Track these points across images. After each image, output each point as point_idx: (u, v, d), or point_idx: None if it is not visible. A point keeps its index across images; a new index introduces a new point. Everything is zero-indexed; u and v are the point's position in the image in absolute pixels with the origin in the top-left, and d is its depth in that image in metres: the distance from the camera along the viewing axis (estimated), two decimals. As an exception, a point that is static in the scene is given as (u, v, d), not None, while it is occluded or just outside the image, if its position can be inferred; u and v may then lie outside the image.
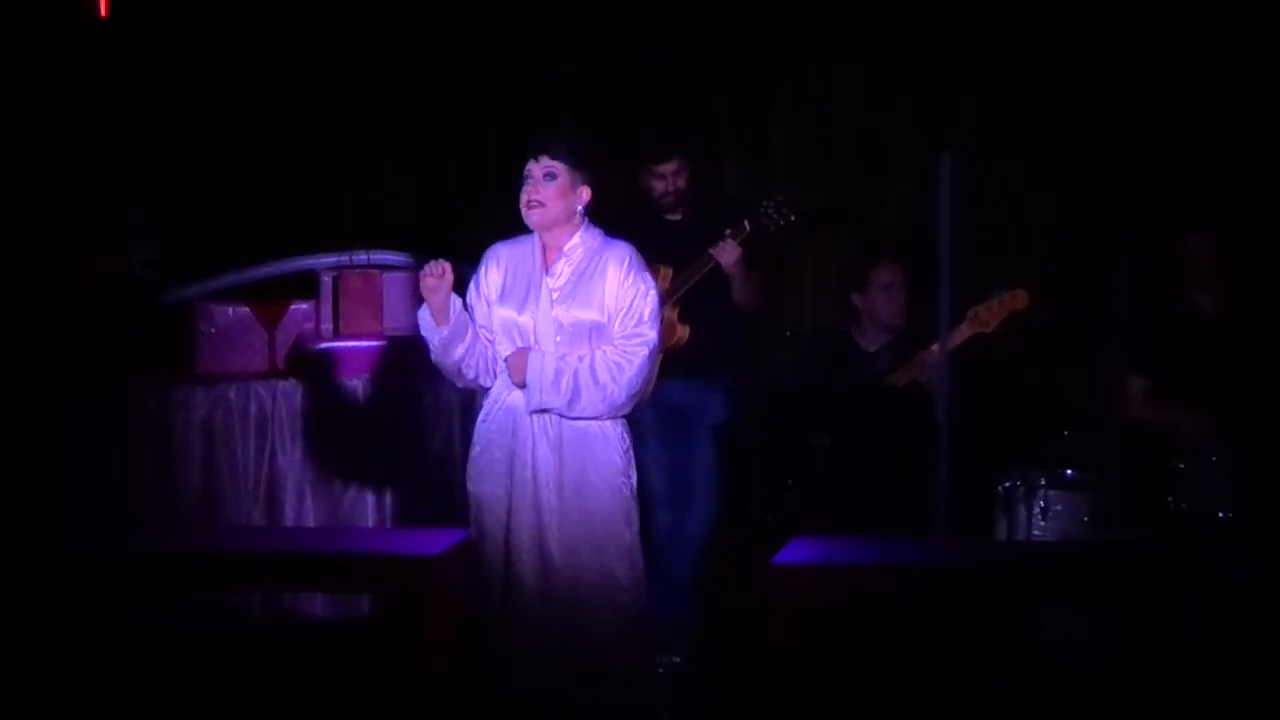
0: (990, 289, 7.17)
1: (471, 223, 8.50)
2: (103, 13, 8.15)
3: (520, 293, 6.08)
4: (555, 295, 6.04)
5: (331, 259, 7.91)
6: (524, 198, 6.05)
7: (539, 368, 5.98)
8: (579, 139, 6.14)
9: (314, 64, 8.50)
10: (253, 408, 7.51)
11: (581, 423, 6.00)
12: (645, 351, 5.99)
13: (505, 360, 6.07)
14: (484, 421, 6.14)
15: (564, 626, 5.96)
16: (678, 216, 7.42)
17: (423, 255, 7.89)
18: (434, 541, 5.83)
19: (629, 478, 6.05)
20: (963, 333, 7.04)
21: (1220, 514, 6.94)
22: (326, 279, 7.84)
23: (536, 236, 6.11)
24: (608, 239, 6.12)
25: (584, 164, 6.07)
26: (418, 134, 8.55)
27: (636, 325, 6.00)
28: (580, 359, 5.98)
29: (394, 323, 7.78)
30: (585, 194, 6.08)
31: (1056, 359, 8.01)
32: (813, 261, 8.30)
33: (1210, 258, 7.38)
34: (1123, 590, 5.60)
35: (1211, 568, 5.57)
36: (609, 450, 6.03)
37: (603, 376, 5.97)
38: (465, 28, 8.44)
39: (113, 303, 7.75)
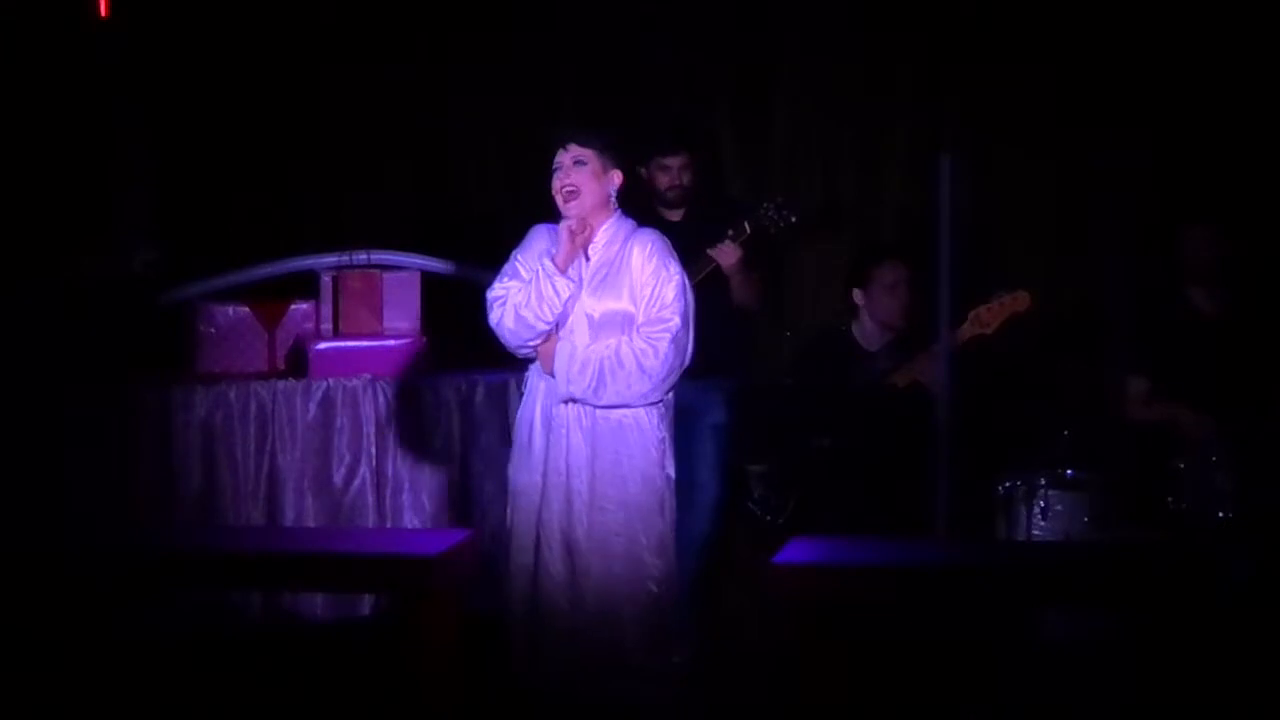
0: (990, 289, 7.17)
1: (472, 222, 8.50)
2: (103, 12, 8.14)
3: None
4: (586, 287, 6.04)
5: (331, 259, 7.91)
6: (557, 185, 6.05)
7: (566, 356, 6.01)
8: (603, 120, 6.12)
9: (314, 64, 8.50)
10: (253, 407, 7.51)
11: (615, 412, 6.02)
12: (669, 337, 5.99)
13: (536, 350, 6.09)
14: (522, 411, 6.16)
15: (590, 616, 5.98)
16: (678, 216, 7.42)
17: (424, 254, 7.95)
18: (434, 541, 5.84)
19: (664, 468, 6.07)
20: (963, 333, 7.04)
21: (1220, 514, 6.94)
22: (326, 279, 7.84)
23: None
24: (636, 228, 6.13)
25: (612, 148, 6.07)
26: (418, 134, 8.55)
27: (660, 311, 6.01)
28: (606, 347, 5.99)
29: (394, 323, 7.78)
30: (617, 178, 6.10)
31: (1056, 359, 8.01)
32: (813, 261, 8.30)
33: (1210, 255, 7.38)
34: (1123, 590, 5.60)
35: (1211, 568, 5.57)
36: (643, 440, 6.04)
37: (628, 364, 5.98)
38: (465, 27, 8.44)
39: (113, 303, 7.75)
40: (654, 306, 6.01)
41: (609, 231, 6.11)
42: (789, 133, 8.36)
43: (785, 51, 8.31)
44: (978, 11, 8.06)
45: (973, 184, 6.78)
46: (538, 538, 6.04)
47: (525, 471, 6.12)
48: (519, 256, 6.16)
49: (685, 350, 6.06)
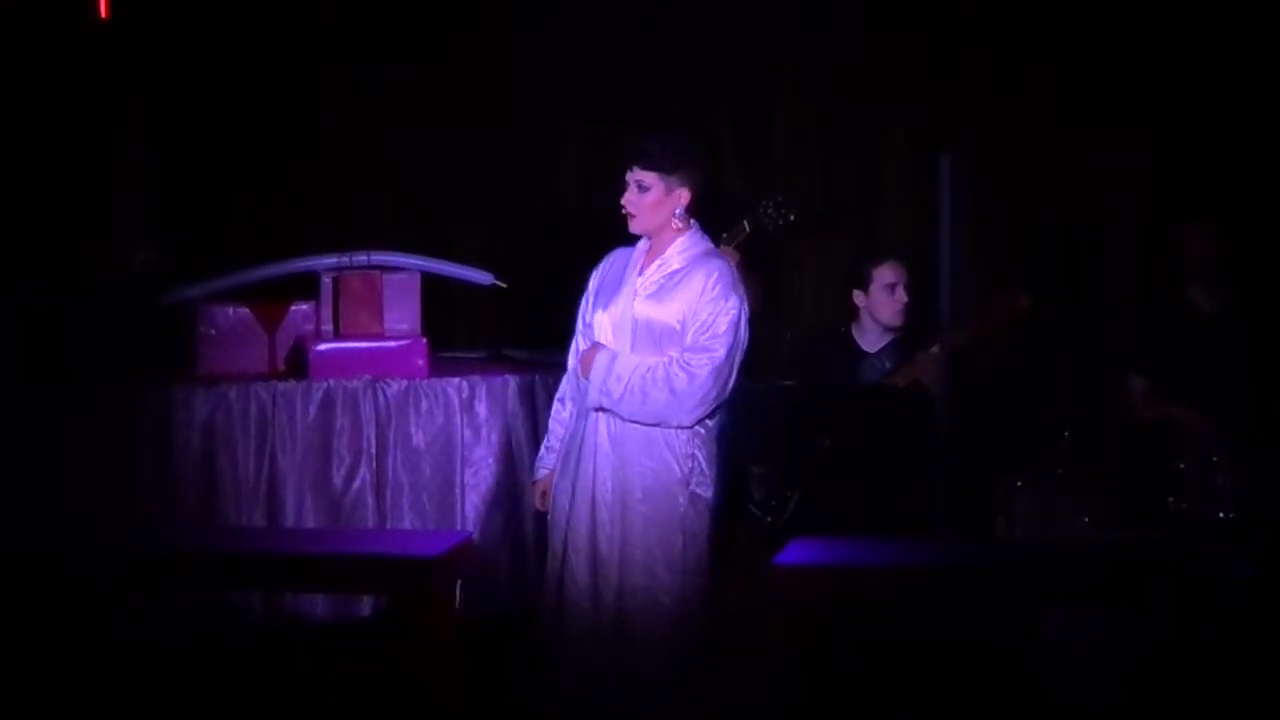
0: (990, 289, 7.16)
1: (471, 223, 8.51)
2: (103, 12, 8.15)
3: (610, 293, 6.13)
4: (641, 293, 6.04)
5: (331, 259, 7.90)
6: (624, 205, 6.06)
7: (604, 366, 6.01)
8: (673, 137, 6.06)
9: (314, 64, 8.50)
10: (253, 409, 7.50)
11: (644, 426, 6.01)
12: (710, 367, 5.99)
13: (580, 355, 6.11)
14: (570, 417, 6.20)
15: (609, 622, 6.01)
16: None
17: (424, 254, 7.95)
18: (434, 541, 5.84)
19: (689, 486, 6.06)
20: (964, 333, 7.04)
21: (1220, 514, 6.93)
22: (326, 279, 7.83)
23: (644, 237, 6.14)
24: (710, 252, 6.13)
25: (679, 166, 6.02)
26: (418, 134, 8.55)
27: (709, 339, 5.99)
28: (645, 364, 5.98)
29: (394, 323, 7.77)
30: (684, 197, 6.06)
31: (1056, 359, 8.01)
32: (813, 262, 8.30)
33: (1210, 255, 7.38)
34: (1123, 590, 5.60)
35: (1211, 568, 5.57)
36: (668, 455, 6.04)
37: (661, 384, 5.97)
38: (465, 27, 8.44)
39: (113, 303, 7.75)
40: (703, 333, 6.00)
41: (677, 247, 6.10)
42: (789, 133, 8.36)
43: (785, 51, 8.31)
44: (978, 11, 8.06)
45: (973, 184, 6.77)
46: (566, 543, 6.07)
47: (563, 476, 6.18)
48: (581, 323, 6.22)
49: (725, 383, 6.05)
